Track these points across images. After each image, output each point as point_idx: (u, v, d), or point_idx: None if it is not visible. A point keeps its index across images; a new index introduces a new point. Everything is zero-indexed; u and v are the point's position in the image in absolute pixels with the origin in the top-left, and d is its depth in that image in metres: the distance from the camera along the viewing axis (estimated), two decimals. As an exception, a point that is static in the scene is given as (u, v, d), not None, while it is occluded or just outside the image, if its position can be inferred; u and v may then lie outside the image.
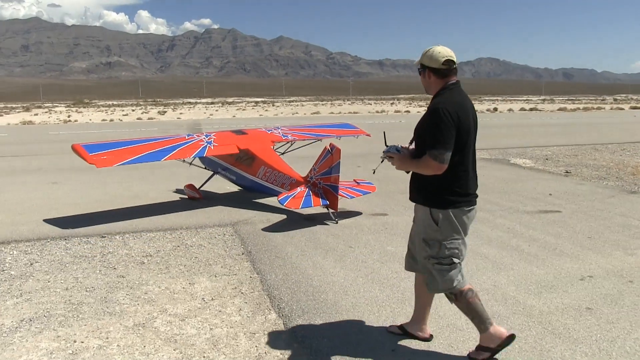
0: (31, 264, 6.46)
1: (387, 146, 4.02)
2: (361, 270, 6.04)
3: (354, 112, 52.50)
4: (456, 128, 3.73)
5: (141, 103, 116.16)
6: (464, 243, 3.95)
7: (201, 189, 10.42)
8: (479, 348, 3.98)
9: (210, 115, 50.26)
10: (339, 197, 8.23)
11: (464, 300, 3.93)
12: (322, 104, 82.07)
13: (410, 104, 78.62)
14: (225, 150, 9.74)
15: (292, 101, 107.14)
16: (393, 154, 3.93)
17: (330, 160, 8.15)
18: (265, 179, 9.37)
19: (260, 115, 50.12)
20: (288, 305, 5.07)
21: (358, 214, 8.75)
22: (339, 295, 5.29)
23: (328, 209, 8.30)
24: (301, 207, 8.09)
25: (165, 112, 58.84)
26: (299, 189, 8.41)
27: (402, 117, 44.00)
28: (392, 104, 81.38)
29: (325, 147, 8.30)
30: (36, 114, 61.01)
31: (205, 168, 11.05)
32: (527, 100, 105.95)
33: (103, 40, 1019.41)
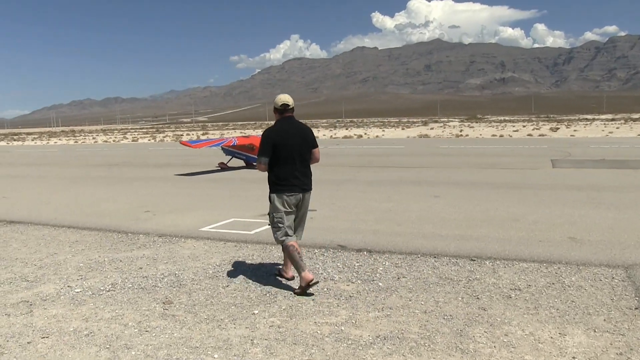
0: (398, 278, 6.42)
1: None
2: None
3: None
4: (272, 145, 5.89)
5: (533, 119, 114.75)
6: (287, 214, 5.97)
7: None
8: (299, 286, 5.91)
9: (610, 132, 45.53)
10: None
11: (286, 251, 6.00)
12: None
13: None
14: (244, 143, 21.29)
15: None
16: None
17: None
18: None
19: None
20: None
21: None
22: None
23: None
24: None
25: (558, 128, 56.25)
26: None
27: None
28: None
29: None
30: (432, 128, 65.64)
31: (225, 155, 21.96)
32: None
33: (497, 56, 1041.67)
